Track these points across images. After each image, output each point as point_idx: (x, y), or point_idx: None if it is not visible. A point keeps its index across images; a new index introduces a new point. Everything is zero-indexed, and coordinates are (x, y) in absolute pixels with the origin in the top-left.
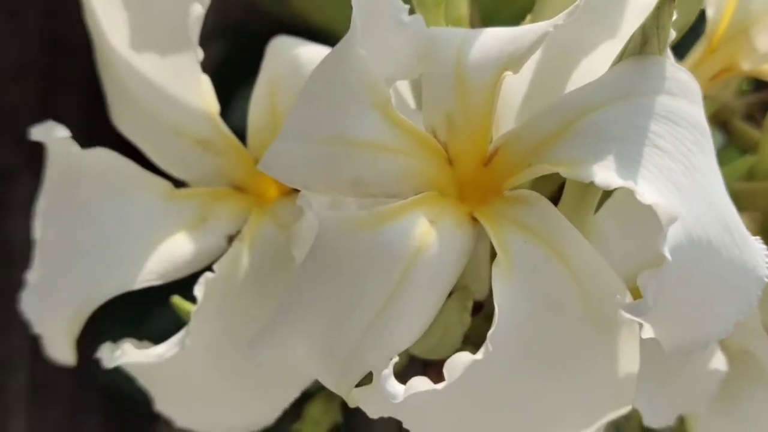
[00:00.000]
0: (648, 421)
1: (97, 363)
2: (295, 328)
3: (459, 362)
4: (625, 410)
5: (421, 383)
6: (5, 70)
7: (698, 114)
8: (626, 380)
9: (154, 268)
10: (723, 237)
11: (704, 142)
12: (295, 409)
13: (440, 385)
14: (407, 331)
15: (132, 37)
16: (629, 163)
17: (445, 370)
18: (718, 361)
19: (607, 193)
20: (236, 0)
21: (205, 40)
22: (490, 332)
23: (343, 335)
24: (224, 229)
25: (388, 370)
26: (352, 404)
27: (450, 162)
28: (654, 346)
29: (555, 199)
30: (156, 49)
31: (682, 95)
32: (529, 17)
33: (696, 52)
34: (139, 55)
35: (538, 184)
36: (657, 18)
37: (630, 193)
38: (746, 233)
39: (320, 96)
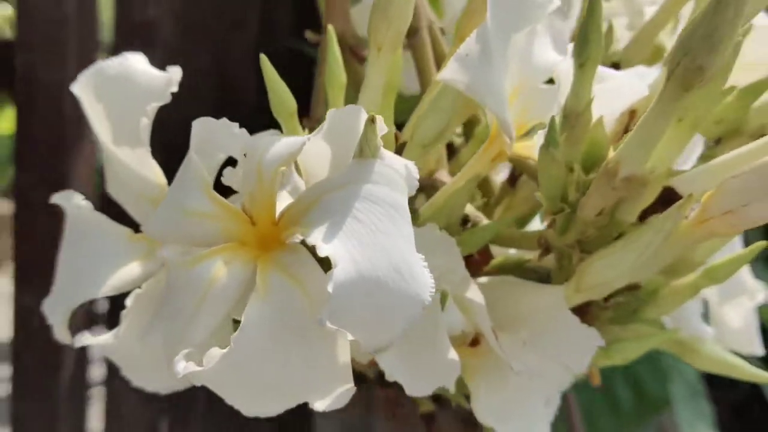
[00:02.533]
0: (409, 392)
1: None
2: (157, 326)
3: (213, 354)
4: (347, 387)
5: (191, 366)
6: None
7: (394, 195)
8: (344, 366)
9: (112, 284)
10: (392, 275)
11: (395, 214)
12: None
13: (202, 368)
14: (202, 333)
15: (113, 137)
16: (334, 229)
17: (204, 359)
18: (452, 354)
19: None
20: None
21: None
22: (233, 335)
23: (173, 332)
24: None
25: (179, 357)
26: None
27: (253, 223)
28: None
29: None
30: (126, 145)
31: (383, 183)
32: None
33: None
34: (117, 148)
35: None
36: (366, 135)
37: None
38: (418, 272)
39: (177, 183)
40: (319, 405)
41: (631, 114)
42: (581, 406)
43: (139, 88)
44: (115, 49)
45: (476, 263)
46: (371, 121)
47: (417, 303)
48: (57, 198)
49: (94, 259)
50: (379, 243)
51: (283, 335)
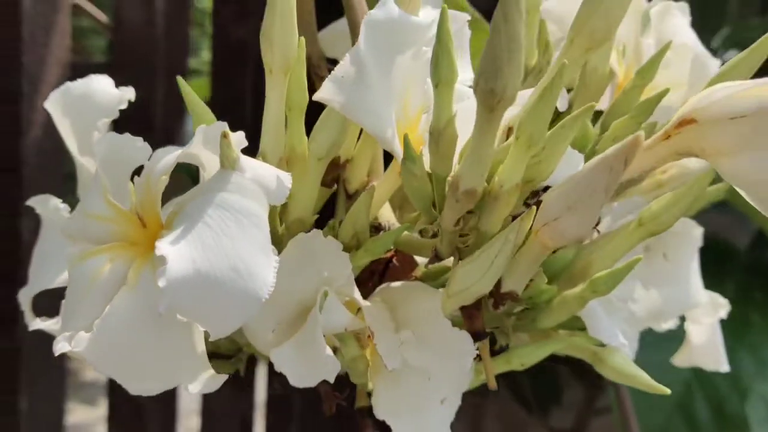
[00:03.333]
0: (292, 383)
1: None
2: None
3: (81, 337)
4: (209, 373)
5: (65, 346)
6: None
7: (246, 204)
8: (201, 354)
9: (65, 277)
10: (230, 274)
11: (244, 221)
12: None
13: (79, 347)
14: (82, 322)
15: (78, 148)
16: (184, 232)
17: (72, 342)
18: (328, 351)
19: None
20: None
21: None
22: (96, 321)
23: (63, 320)
24: None
25: (59, 338)
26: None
27: (145, 225)
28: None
29: None
30: (88, 155)
31: (237, 192)
32: None
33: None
34: (82, 157)
35: None
36: (222, 149)
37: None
38: (257, 272)
39: (87, 192)
40: (192, 388)
41: (508, 130)
42: (658, 425)
43: (96, 105)
44: (214, 66)
45: (397, 270)
46: (224, 136)
47: (253, 299)
48: (33, 202)
49: (53, 255)
50: (221, 245)
51: (144, 324)
